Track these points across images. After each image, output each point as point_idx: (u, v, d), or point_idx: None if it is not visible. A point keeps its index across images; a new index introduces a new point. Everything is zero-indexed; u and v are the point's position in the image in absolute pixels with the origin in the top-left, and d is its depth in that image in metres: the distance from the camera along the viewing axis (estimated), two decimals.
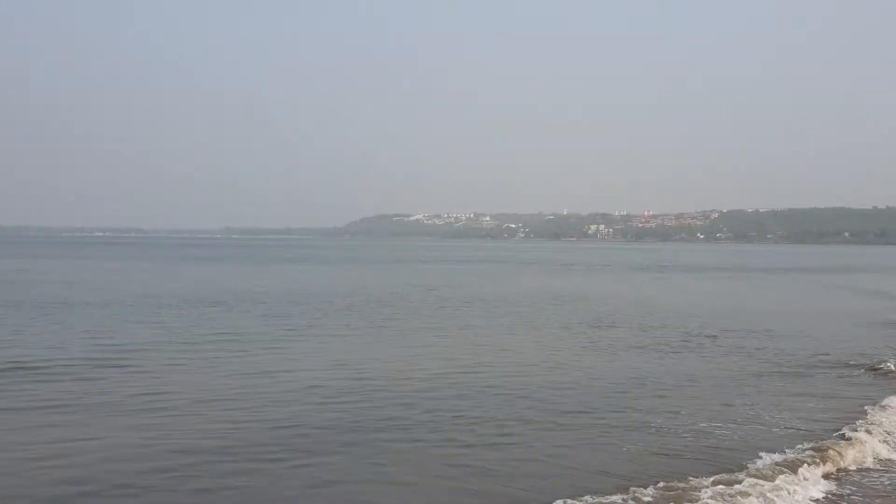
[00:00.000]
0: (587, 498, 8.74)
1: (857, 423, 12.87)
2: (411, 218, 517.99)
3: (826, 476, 10.50)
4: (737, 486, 9.39)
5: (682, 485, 9.40)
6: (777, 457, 10.93)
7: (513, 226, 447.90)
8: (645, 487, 9.20)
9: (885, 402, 14.64)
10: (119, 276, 51.97)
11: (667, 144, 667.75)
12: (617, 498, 8.79)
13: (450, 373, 16.64)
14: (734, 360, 19.63)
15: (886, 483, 10.37)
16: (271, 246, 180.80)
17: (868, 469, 11.03)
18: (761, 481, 9.69)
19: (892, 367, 18.70)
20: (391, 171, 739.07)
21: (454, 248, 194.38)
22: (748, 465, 10.45)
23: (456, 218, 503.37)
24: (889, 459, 11.47)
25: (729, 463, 10.59)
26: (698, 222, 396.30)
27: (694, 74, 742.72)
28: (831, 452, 11.08)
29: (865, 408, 14.17)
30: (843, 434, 12.19)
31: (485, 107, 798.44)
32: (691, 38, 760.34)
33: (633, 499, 8.81)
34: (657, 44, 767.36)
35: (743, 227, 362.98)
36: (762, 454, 10.99)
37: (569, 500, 8.62)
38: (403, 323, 26.53)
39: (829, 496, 9.75)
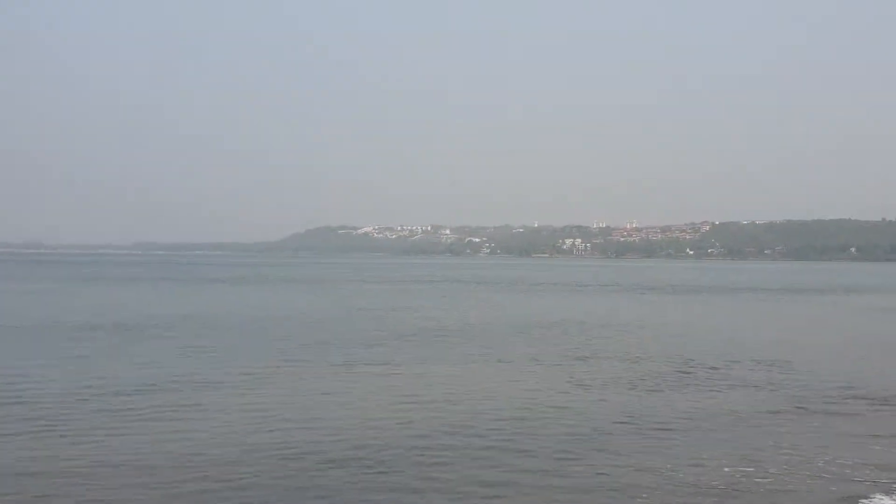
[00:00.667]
0: None
1: None
2: (359, 231, 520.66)
3: None
4: None
5: None
6: None
7: (476, 240, 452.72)
8: None
9: None
10: None
11: (651, 148, 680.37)
12: None
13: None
14: (748, 395, 19.55)
15: None
16: (190, 264, 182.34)
17: None
18: None
19: None
20: (337, 178, 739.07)
21: (407, 265, 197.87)
22: None
23: (411, 231, 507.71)
24: None
25: None
26: (687, 236, 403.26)
27: (684, 72, 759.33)
28: None
29: None
30: None
31: (447, 107, 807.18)
32: (674, 38, 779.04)
33: None
34: (638, 43, 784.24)
35: (737, 242, 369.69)
36: None
37: None
38: (336, 358, 26.03)
39: None
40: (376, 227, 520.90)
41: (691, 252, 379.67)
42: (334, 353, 27.23)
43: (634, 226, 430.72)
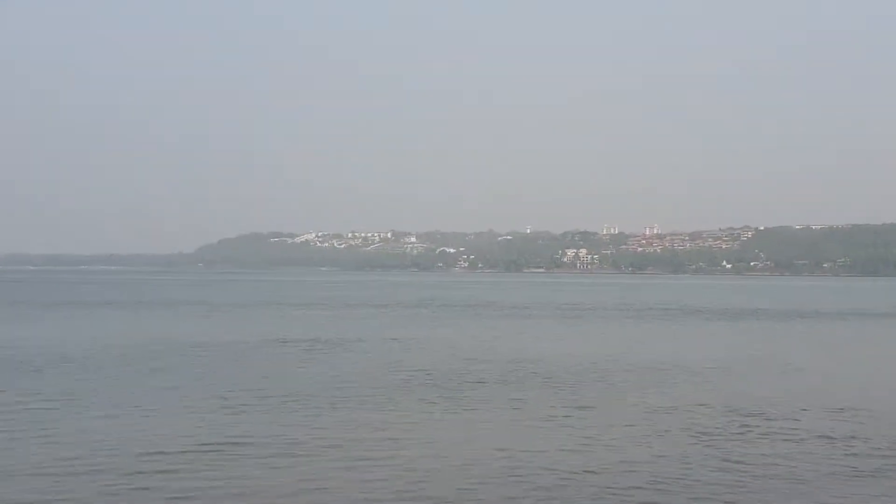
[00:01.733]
0: None
1: None
2: (297, 239, 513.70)
3: None
4: None
5: None
6: None
7: (451, 250, 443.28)
8: None
9: None
10: None
11: (677, 136, 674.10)
12: None
13: None
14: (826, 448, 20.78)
15: None
16: (63, 281, 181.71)
17: None
18: None
19: None
20: (266, 173, 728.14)
21: (352, 284, 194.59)
22: None
23: (366, 239, 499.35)
24: None
25: None
26: (723, 245, 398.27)
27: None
28: None
29: None
30: None
31: (409, 91, 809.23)
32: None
33: None
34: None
35: (787, 252, 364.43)
36: None
37: None
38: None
39: None
40: (320, 235, 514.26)
41: (728, 265, 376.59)
42: None
43: (656, 232, 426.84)
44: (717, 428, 23.06)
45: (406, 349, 44.11)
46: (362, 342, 47.21)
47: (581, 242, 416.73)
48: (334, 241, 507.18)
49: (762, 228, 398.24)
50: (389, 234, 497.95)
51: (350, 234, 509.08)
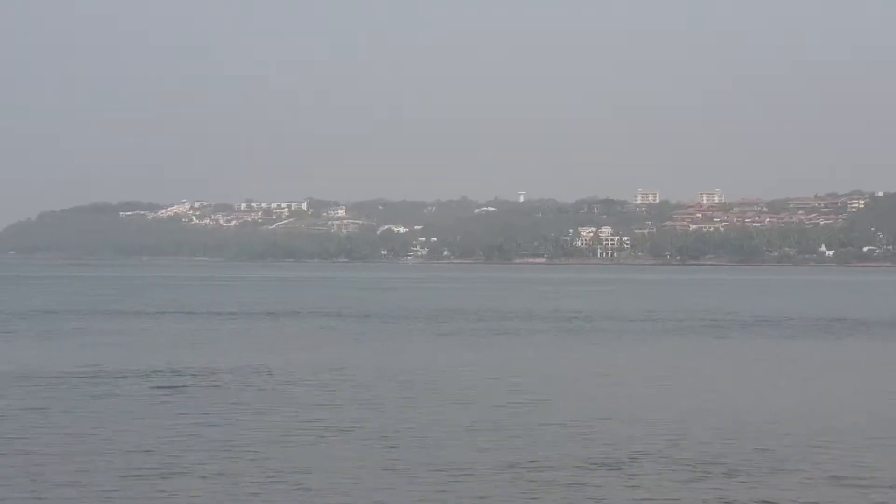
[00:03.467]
0: None
1: None
2: (164, 212, 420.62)
3: None
4: None
5: None
6: None
7: (401, 230, 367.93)
8: None
9: None
10: None
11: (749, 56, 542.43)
12: None
13: None
14: None
15: None
16: None
17: None
18: None
19: None
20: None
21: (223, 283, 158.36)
22: None
23: (268, 212, 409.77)
24: None
25: None
26: (822, 220, 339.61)
27: None
28: None
29: None
30: None
31: None
32: None
33: None
34: None
35: None
36: None
37: None
38: None
39: None
40: (197, 207, 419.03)
41: (829, 252, 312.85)
42: None
43: (718, 200, 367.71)
44: None
45: None
46: None
47: (604, 216, 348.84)
48: (220, 215, 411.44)
49: (881, 195, 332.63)
50: (305, 205, 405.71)
51: (244, 206, 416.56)
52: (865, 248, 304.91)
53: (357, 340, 52.47)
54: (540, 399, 30.58)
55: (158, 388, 31.85)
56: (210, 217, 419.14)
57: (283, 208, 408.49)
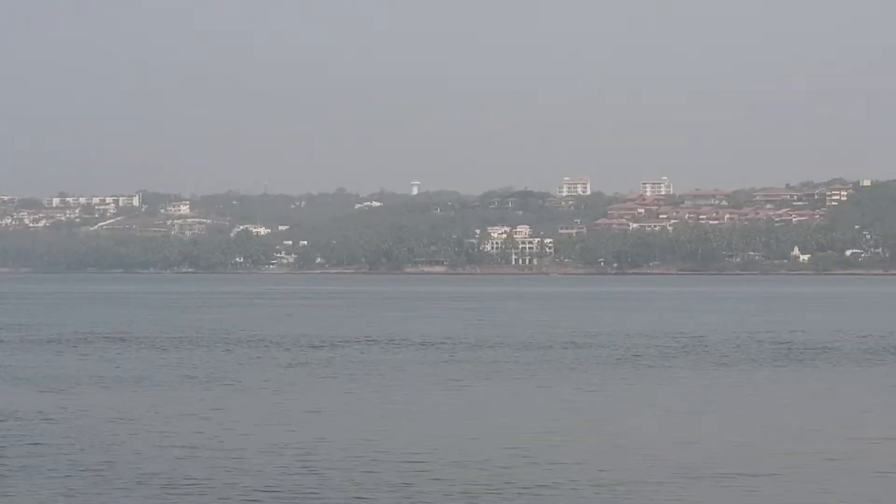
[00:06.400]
0: None
1: None
2: None
3: None
4: None
5: None
6: None
7: (261, 230, 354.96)
8: None
9: None
10: None
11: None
12: None
13: None
14: None
15: None
16: None
17: None
18: None
19: None
20: None
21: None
22: None
23: (89, 209, 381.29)
24: None
25: None
26: (794, 215, 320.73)
27: None
28: None
29: None
30: None
31: None
32: None
33: None
34: None
35: None
36: None
37: None
38: None
39: None
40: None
41: (804, 257, 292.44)
42: None
43: (665, 192, 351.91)
44: None
45: None
46: None
47: (519, 213, 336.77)
48: (25, 212, 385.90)
49: (867, 184, 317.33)
50: (137, 200, 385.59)
51: (57, 202, 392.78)
52: (849, 252, 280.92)
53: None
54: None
55: None
56: (12, 216, 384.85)
57: (109, 204, 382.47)
